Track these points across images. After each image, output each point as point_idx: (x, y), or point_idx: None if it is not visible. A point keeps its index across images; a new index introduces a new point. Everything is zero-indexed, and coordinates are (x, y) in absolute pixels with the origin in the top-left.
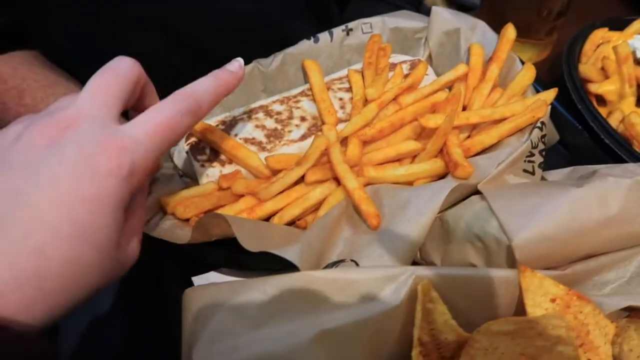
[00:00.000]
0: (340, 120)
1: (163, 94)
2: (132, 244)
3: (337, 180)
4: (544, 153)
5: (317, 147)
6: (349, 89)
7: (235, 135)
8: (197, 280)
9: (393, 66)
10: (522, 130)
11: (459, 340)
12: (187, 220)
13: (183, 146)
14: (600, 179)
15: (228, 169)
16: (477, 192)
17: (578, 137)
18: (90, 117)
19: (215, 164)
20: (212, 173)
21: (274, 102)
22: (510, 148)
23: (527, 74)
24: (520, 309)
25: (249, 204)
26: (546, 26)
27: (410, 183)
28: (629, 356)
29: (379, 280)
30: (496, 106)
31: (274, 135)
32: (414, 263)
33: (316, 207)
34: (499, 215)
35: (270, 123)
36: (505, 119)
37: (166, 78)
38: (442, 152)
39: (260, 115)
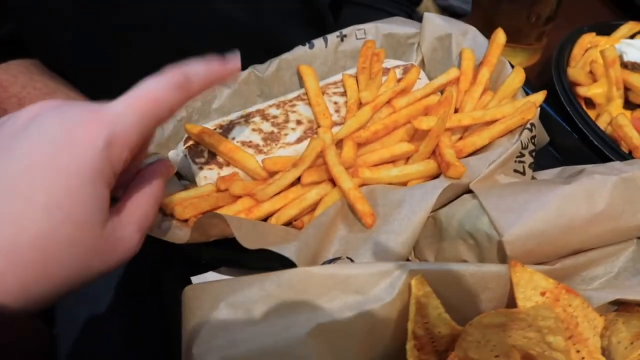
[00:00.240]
0: (335, 124)
1: None
2: (128, 229)
3: (332, 182)
4: (534, 154)
5: (313, 149)
6: (344, 94)
7: (233, 138)
8: (196, 280)
9: (386, 71)
10: (512, 132)
11: (452, 334)
12: (186, 221)
13: (182, 149)
14: (587, 177)
15: (226, 171)
16: (469, 191)
17: (568, 139)
18: (79, 102)
19: (213, 166)
20: (210, 175)
21: (270, 106)
22: (501, 149)
23: (517, 77)
24: (511, 303)
25: (247, 205)
26: (535, 31)
27: (404, 183)
28: (617, 348)
29: (374, 275)
30: (487, 108)
31: (271, 138)
32: (408, 261)
33: (312, 208)
34: (490, 212)
35: (266, 126)
36: (496, 120)
37: None
38: (434, 153)
39: (257, 119)
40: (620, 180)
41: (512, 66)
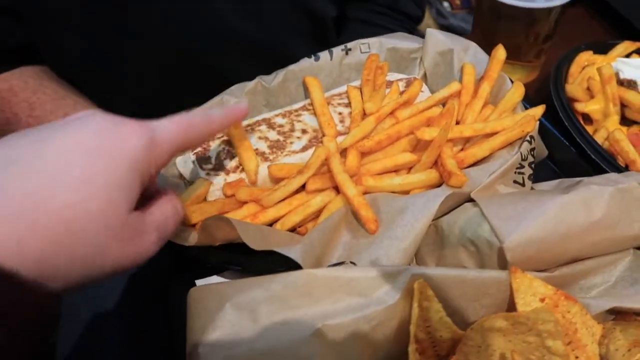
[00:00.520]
0: (340, 133)
1: (165, 106)
2: (148, 227)
3: (336, 189)
4: (533, 166)
5: (317, 156)
6: (348, 105)
7: None
8: (201, 283)
9: (390, 83)
10: (512, 144)
11: (453, 338)
12: (193, 226)
13: (190, 155)
14: (584, 187)
15: (232, 177)
16: (470, 200)
17: (566, 153)
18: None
19: (220, 172)
20: (217, 181)
21: (276, 115)
22: (501, 160)
23: (516, 92)
24: (511, 309)
25: (252, 210)
26: (534, 49)
27: (406, 192)
28: (615, 355)
29: (377, 278)
30: (488, 121)
31: (277, 147)
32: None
33: (316, 215)
34: (491, 219)
35: (273, 135)
36: (496, 133)
37: (167, 91)
38: (436, 163)
39: (264, 127)
40: (617, 190)
41: (512, 82)
